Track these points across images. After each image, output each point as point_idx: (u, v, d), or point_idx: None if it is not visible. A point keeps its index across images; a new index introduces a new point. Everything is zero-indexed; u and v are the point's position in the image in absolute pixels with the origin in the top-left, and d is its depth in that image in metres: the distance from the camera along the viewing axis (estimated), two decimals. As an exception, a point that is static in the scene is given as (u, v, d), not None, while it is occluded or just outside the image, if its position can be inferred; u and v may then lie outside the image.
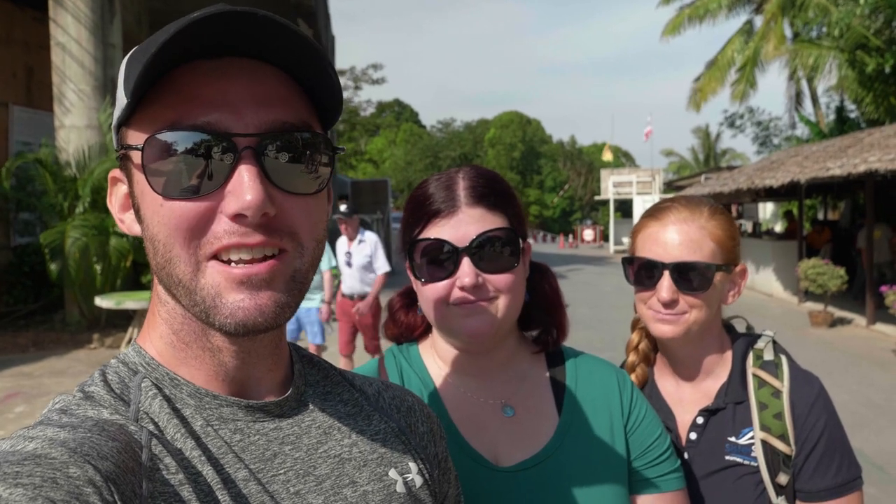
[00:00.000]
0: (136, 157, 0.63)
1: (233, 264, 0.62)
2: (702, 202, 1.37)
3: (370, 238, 6.82)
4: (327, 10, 19.70)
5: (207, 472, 0.62)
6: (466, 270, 1.04)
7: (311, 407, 0.75)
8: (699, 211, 1.34)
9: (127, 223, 0.70)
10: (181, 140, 0.61)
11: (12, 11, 11.82)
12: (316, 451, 0.72)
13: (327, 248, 6.05)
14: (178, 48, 0.59)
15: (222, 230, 0.61)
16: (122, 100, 0.64)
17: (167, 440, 0.62)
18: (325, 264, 6.62)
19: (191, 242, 0.62)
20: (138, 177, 0.64)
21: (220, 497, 0.61)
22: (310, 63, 0.63)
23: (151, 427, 0.63)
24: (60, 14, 9.82)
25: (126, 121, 0.65)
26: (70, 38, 9.80)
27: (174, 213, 0.61)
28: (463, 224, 1.05)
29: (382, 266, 6.68)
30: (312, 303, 6.68)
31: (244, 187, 0.60)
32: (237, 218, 0.61)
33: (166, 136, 0.61)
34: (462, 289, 1.04)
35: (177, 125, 0.61)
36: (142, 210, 0.65)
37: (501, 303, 1.06)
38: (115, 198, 0.71)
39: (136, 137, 0.64)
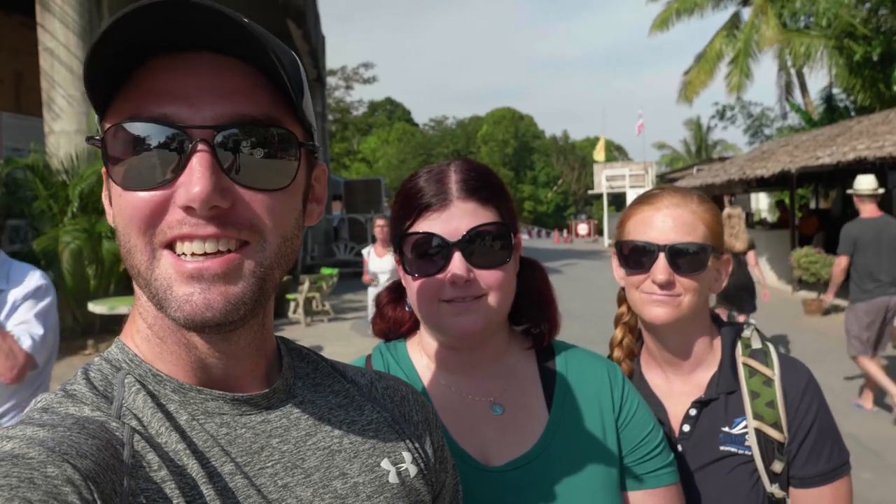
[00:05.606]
0: (104, 150, 0.63)
1: (185, 257, 0.62)
2: (690, 190, 1.41)
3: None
4: (316, 10, 19.65)
5: (192, 466, 0.61)
6: (458, 265, 1.02)
7: (300, 399, 0.75)
8: (689, 197, 1.37)
9: (110, 216, 0.68)
10: (138, 132, 0.61)
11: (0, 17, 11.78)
12: (305, 443, 0.71)
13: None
14: (132, 42, 0.59)
15: (175, 220, 0.61)
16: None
17: (151, 436, 0.62)
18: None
19: (145, 233, 0.62)
20: (106, 169, 0.65)
21: (205, 491, 0.61)
22: (257, 48, 0.61)
23: (135, 423, 0.62)
24: (48, 19, 9.75)
25: (103, 116, 0.65)
26: (58, 43, 9.74)
27: (130, 203, 0.62)
28: (455, 218, 1.04)
29: None
30: None
31: (193, 179, 0.59)
32: (188, 210, 0.61)
33: (124, 128, 0.61)
34: (453, 283, 1.02)
35: (135, 117, 0.61)
36: (112, 202, 0.66)
37: (492, 300, 1.05)
38: (105, 193, 0.69)
39: (103, 131, 0.64)
